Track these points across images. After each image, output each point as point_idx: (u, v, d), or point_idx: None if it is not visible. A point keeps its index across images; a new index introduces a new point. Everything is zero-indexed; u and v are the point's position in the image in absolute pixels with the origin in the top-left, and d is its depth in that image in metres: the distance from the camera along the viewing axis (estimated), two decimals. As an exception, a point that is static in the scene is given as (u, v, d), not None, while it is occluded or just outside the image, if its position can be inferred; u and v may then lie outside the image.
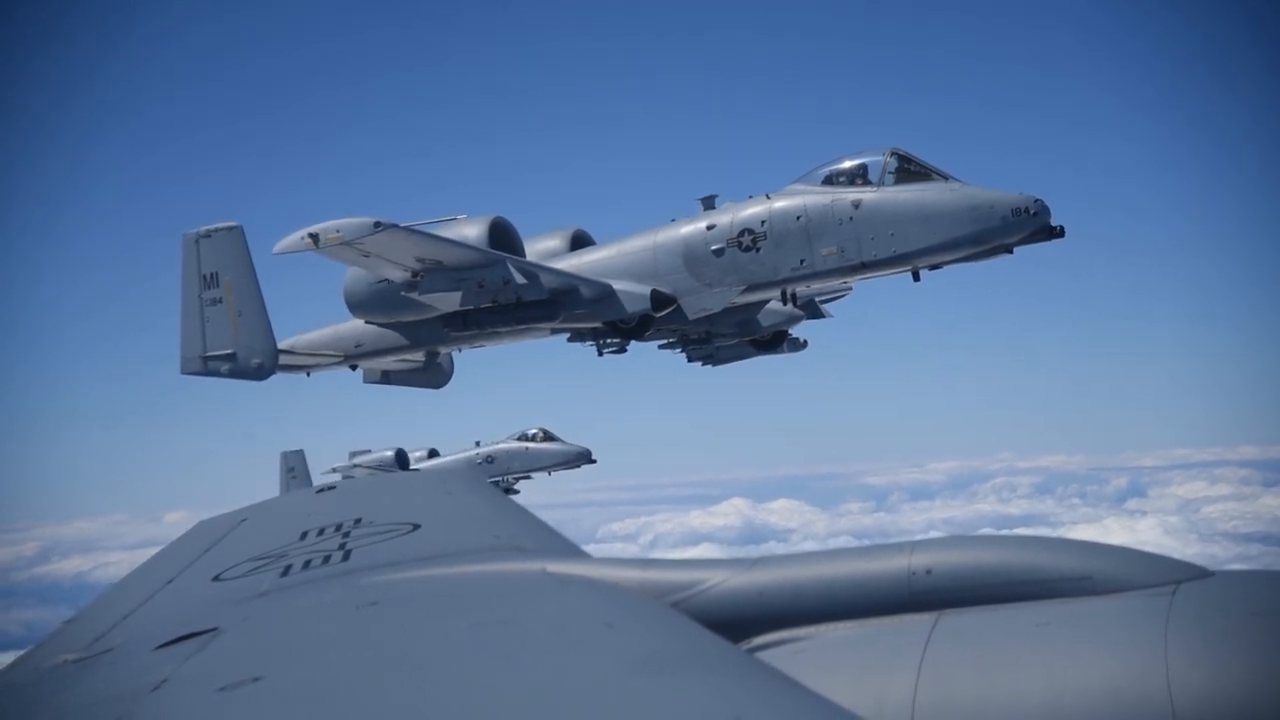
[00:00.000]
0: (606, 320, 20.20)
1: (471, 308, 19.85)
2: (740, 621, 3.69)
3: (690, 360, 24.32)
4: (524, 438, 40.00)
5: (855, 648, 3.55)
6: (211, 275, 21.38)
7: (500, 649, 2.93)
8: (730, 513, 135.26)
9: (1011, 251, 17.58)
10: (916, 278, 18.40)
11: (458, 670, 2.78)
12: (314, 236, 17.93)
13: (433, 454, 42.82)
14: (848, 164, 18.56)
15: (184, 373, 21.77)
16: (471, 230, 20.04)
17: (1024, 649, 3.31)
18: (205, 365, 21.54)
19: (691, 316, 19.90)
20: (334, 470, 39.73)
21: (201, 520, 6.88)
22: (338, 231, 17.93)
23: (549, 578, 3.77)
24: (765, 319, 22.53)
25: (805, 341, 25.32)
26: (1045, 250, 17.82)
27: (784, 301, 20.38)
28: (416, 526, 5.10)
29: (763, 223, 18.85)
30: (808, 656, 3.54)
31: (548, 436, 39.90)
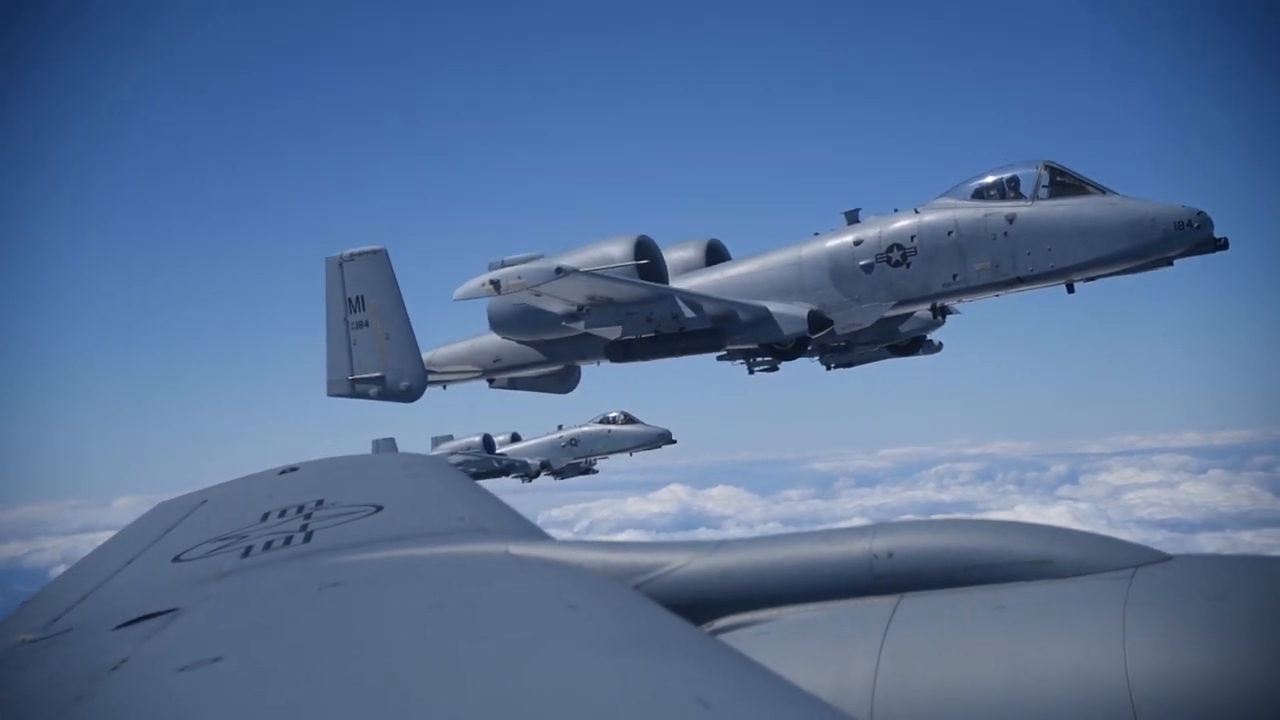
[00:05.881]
0: (763, 342, 20.01)
1: (634, 337, 19.89)
2: (702, 604, 3.70)
3: (826, 367, 23.95)
4: (605, 420, 40.13)
5: (817, 630, 3.58)
6: (357, 299, 21.28)
7: (463, 630, 2.93)
8: (668, 499, 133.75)
9: (1172, 264, 17.24)
10: (1071, 290, 18.17)
11: (420, 651, 2.78)
12: (495, 284, 17.94)
13: (515, 438, 42.51)
14: (998, 177, 18.26)
15: (330, 395, 21.60)
16: (616, 250, 19.84)
17: (983, 631, 3.34)
18: (353, 388, 21.43)
19: (841, 332, 19.73)
20: None
21: (161, 501, 6.82)
22: (519, 278, 17.99)
23: (511, 559, 3.77)
24: (904, 325, 22.16)
25: (940, 344, 24.69)
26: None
27: (933, 316, 20.31)
28: (379, 508, 5.07)
29: (912, 237, 18.54)
30: (770, 639, 3.56)
31: (628, 419, 39.98)
